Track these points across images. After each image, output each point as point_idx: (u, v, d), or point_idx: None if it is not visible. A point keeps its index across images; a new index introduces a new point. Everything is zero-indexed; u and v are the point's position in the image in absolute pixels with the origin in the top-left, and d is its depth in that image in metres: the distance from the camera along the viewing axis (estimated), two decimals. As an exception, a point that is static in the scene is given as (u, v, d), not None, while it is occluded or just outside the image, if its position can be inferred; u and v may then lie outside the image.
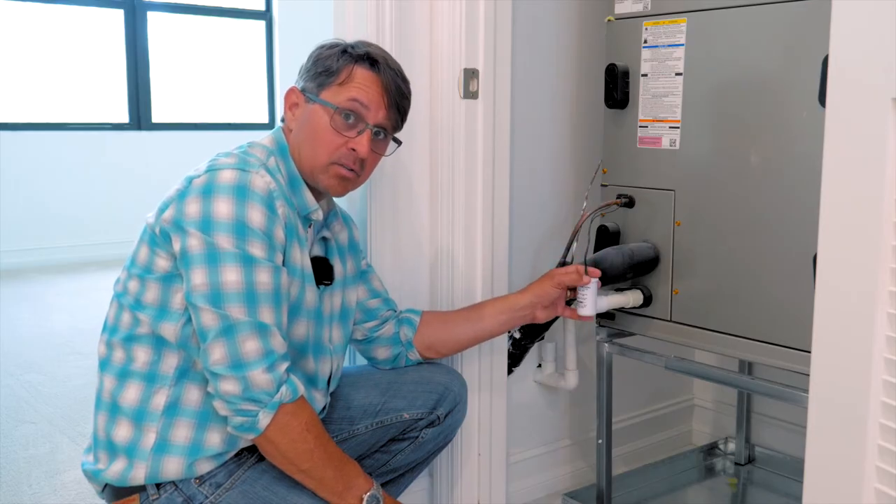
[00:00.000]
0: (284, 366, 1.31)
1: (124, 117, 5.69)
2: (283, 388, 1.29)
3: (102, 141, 5.57)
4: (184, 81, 5.95)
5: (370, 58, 1.43)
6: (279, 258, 1.34)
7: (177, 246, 1.30)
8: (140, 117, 5.71)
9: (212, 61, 6.11)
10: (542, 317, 1.66)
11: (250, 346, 1.27)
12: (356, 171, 1.44)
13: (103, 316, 1.43)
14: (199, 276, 1.27)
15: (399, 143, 1.52)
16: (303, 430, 1.32)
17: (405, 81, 1.48)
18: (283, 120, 1.48)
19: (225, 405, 1.29)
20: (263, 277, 1.30)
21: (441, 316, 1.71)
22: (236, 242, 1.28)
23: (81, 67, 5.58)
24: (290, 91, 1.46)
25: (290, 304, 1.39)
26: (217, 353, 1.27)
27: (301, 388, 1.33)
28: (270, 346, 1.29)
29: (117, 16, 5.58)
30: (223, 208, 1.28)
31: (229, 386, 1.27)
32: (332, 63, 1.42)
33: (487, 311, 1.67)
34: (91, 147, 5.50)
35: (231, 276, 1.27)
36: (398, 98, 1.45)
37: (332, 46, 1.45)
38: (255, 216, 1.29)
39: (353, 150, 1.41)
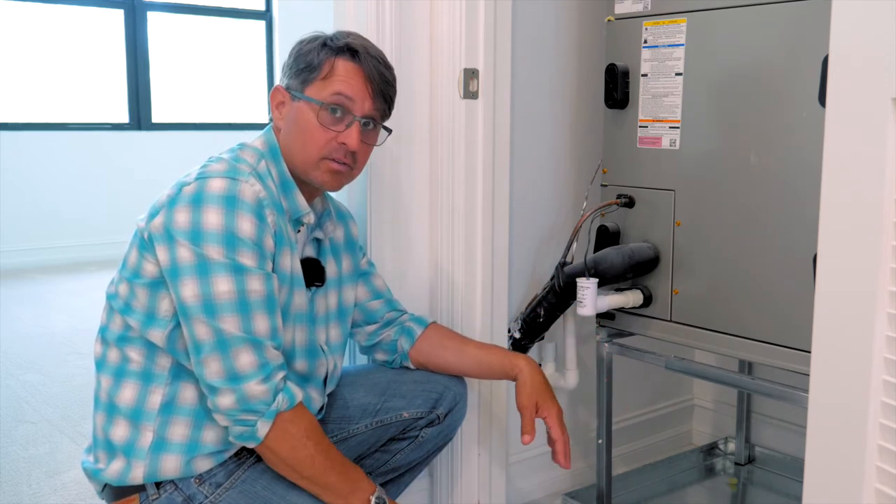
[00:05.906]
0: (280, 375, 1.31)
1: (124, 117, 5.68)
2: (280, 397, 1.29)
3: (102, 141, 5.56)
4: (183, 81, 5.95)
5: (350, 49, 1.41)
6: (269, 266, 1.33)
7: (162, 255, 1.30)
8: (140, 117, 5.71)
9: (212, 61, 6.10)
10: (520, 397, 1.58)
11: (245, 359, 1.28)
12: (348, 165, 1.43)
13: (102, 316, 1.43)
14: (190, 288, 1.27)
15: (389, 131, 1.50)
16: (302, 436, 1.32)
17: (388, 68, 1.46)
18: (271, 119, 1.48)
19: (224, 417, 1.30)
20: (255, 285, 1.29)
21: (442, 338, 1.66)
22: (226, 253, 1.27)
23: (81, 67, 5.57)
24: (276, 90, 1.46)
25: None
26: (213, 367, 1.27)
27: (299, 395, 1.33)
28: (265, 357, 1.29)
29: (117, 16, 5.58)
30: (213, 219, 1.28)
31: (226, 399, 1.28)
32: (312, 58, 1.41)
33: (477, 353, 1.64)
34: (91, 147, 5.50)
35: (223, 286, 1.27)
36: (383, 86, 1.43)
37: (311, 40, 1.43)
38: (245, 226, 1.29)
39: (343, 143, 1.40)
